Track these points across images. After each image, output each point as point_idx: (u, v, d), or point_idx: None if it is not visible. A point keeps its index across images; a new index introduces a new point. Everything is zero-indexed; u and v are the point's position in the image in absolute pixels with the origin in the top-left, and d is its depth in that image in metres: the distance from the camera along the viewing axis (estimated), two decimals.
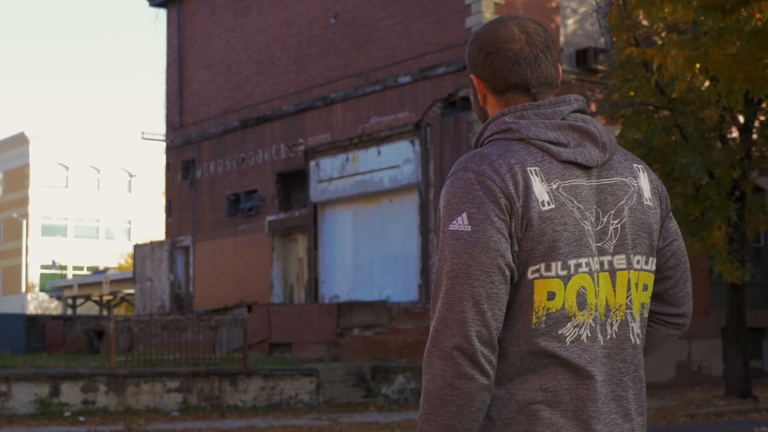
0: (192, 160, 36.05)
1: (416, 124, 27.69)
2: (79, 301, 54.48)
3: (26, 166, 68.17)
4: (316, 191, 30.86)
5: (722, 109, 21.40)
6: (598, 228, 2.41)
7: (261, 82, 33.47)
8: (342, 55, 30.44)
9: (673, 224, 2.61)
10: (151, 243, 38.23)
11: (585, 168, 2.42)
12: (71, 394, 19.11)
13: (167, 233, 37.13)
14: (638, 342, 2.45)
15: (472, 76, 2.55)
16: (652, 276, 2.51)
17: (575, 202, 2.38)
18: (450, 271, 2.31)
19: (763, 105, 22.21)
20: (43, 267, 67.91)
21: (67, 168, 69.10)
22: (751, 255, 27.45)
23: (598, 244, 2.40)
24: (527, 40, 2.51)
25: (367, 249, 29.51)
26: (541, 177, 2.36)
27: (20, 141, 68.43)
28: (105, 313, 51.36)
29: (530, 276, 2.33)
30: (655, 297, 2.58)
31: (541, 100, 2.48)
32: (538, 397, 2.33)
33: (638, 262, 2.46)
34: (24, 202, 68.23)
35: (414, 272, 27.86)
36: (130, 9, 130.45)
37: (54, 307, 62.17)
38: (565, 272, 2.34)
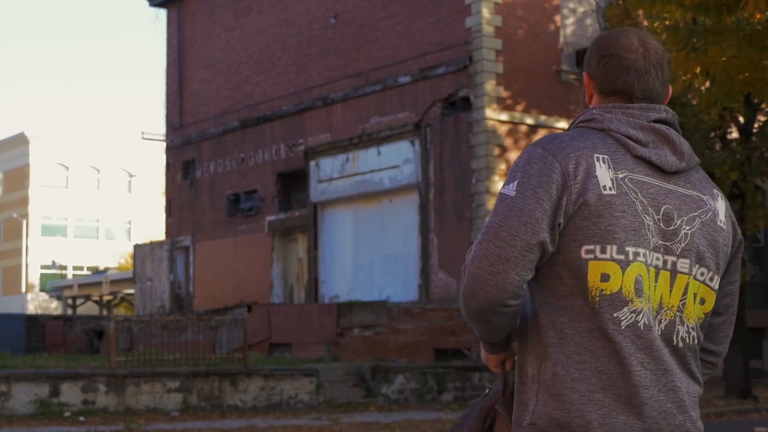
0: (192, 160, 36.06)
1: (416, 124, 27.69)
2: (79, 301, 54.48)
3: (26, 166, 68.18)
4: (316, 191, 30.86)
5: (722, 109, 21.39)
6: (671, 228, 2.51)
7: (261, 82, 33.47)
8: (342, 55, 30.44)
9: (740, 266, 2.70)
10: (151, 243, 38.23)
11: (660, 171, 2.53)
12: (71, 394, 19.11)
13: (167, 233, 37.14)
14: (681, 345, 2.50)
15: (584, 74, 2.69)
16: (714, 294, 2.59)
17: (639, 195, 2.48)
18: (485, 227, 2.47)
19: (763, 106, 22.21)
20: (43, 267, 67.91)
21: (67, 168, 69.11)
22: (751, 255, 27.46)
23: (666, 243, 2.50)
24: (644, 54, 2.61)
25: (367, 249, 29.52)
26: (608, 164, 2.48)
27: (20, 141, 68.44)
28: (105, 313, 51.36)
29: (584, 255, 2.44)
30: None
31: (636, 104, 2.59)
32: (594, 379, 2.42)
33: (702, 274, 2.55)
34: (24, 202, 68.23)
35: (414, 272, 27.86)
36: (130, 9, 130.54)
37: (54, 307, 62.17)
38: (622, 257, 2.44)
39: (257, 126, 33.35)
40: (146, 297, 37.43)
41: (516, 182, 2.46)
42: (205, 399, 20.27)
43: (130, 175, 71.32)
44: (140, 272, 37.91)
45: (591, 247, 2.42)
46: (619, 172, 2.47)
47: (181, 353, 22.07)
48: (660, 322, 2.47)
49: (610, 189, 2.44)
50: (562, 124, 26.76)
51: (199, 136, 35.74)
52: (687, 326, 2.52)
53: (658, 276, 2.48)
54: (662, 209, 2.50)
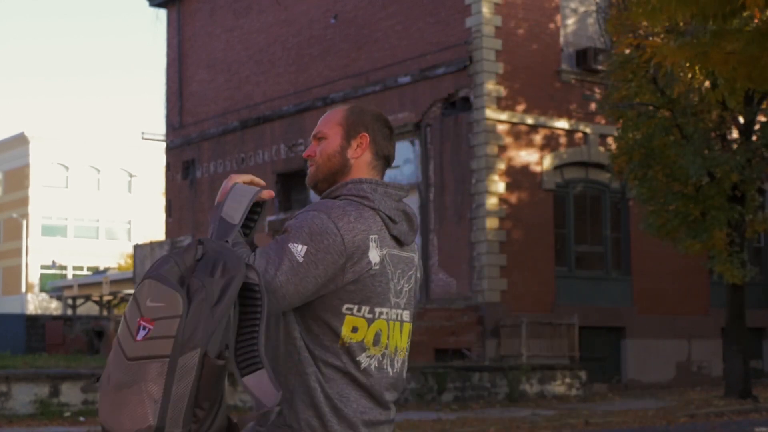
0: (192, 160, 36.06)
1: (416, 124, 27.69)
2: (79, 301, 54.47)
3: (26, 166, 68.20)
4: None
5: (722, 109, 21.38)
6: (400, 287, 3.05)
7: (261, 82, 33.48)
8: (342, 55, 30.44)
9: None
10: (151, 243, 38.24)
11: (401, 243, 3.05)
12: (71, 394, 19.11)
13: (167, 233, 37.14)
14: (404, 376, 3.11)
15: (364, 134, 3.09)
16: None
17: (392, 266, 3.01)
18: (270, 274, 2.83)
19: (764, 105, 22.18)
20: (43, 267, 67.92)
21: (67, 168, 69.12)
22: (751, 255, 27.44)
23: (398, 300, 3.05)
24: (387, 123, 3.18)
25: None
26: (377, 243, 2.96)
27: (20, 141, 68.45)
28: (105, 313, 51.36)
29: (344, 311, 2.93)
30: None
31: (387, 181, 3.09)
32: (335, 398, 2.91)
33: (412, 316, 3.14)
34: (24, 202, 68.24)
35: None
36: (130, 9, 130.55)
37: (54, 307, 62.16)
38: (371, 315, 2.97)
39: (257, 126, 33.35)
40: None
41: (305, 248, 2.86)
42: None
43: (130, 175, 71.34)
44: (140, 272, 37.90)
45: (351, 306, 2.93)
46: (383, 249, 2.97)
47: None
48: (397, 362, 3.05)
49: (376, 265, 2.95)
50: (562, 124, 26.75)
51: (199, 136, 35.74)
52: (405, 361, 3.11)
53: (402, 327, 3.06)
54: (397, 273, 3.03)
